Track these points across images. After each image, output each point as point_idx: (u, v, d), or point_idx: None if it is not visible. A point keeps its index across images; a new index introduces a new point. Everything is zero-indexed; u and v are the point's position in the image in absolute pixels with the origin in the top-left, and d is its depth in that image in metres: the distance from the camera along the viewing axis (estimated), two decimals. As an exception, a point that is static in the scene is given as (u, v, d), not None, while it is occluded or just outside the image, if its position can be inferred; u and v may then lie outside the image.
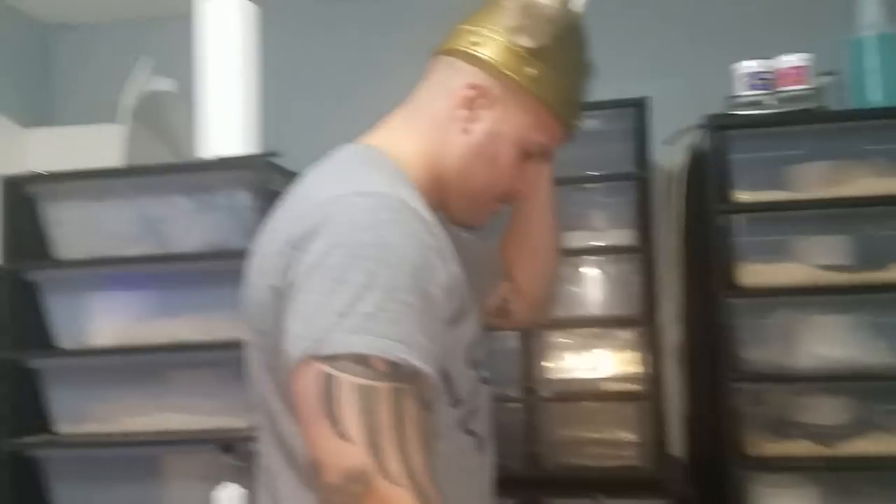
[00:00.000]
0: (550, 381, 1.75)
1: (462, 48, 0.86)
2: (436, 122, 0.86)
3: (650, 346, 1.69)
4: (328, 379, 0.66)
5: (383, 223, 0.71)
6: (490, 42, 0.85)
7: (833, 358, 1.49)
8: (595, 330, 1.79)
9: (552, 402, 1.73)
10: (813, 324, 1.53)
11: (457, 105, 0.85)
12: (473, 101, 0.85)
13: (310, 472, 0.69)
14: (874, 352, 1.49)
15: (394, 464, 0.65)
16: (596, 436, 1.77)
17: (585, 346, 1.80)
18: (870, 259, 1.51)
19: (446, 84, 0.86)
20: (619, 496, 1.63)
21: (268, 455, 0.82)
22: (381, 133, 0.89)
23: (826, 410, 1.52)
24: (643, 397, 1.69)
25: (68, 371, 1.72)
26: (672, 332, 1.94)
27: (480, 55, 0.85)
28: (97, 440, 1.66)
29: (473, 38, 0.85)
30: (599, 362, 1.79)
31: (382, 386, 0.66)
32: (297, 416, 0.71)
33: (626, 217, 1.76)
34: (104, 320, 1.70)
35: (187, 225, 1.66)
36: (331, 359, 0.66)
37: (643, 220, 1.73)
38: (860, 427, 1.50)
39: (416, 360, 0.67)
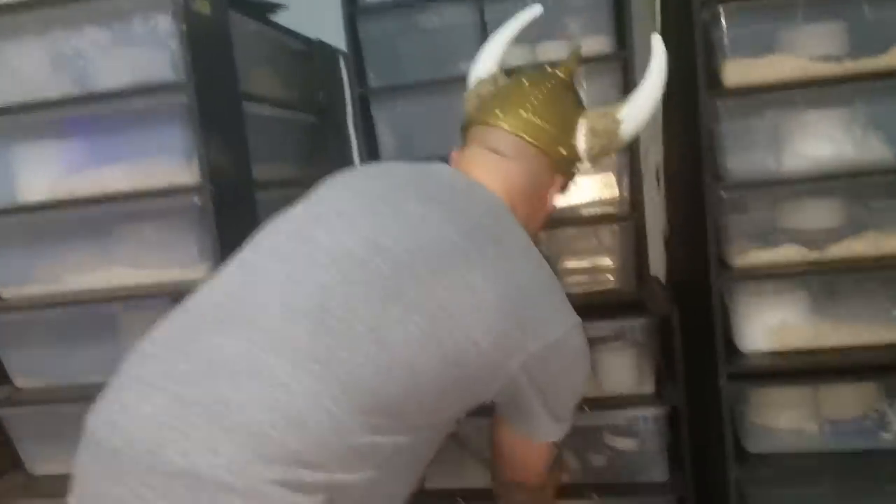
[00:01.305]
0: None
1: (552, 155, 1.12)
2: (537, 198, 1.12)
3: (629, 163, 1.57)
4: (553, 455, 1.17)
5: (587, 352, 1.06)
6: (567, 149, 1.14)
7: (824, 157, 1.38)
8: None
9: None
10: (803, 122, 1.40)
11: (551, 191, 1.14)
12: (557, 190, 1.16)
13: (509, 484, 1.21)
14: (869, 147, 1.37)
15: (554, 467, 1.23)
16: (574, 264, 1.69)
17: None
18: (867, 45, 1.36)
19: (542, 173, 1.12)
20: (599, 318, 1.57)
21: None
22: (506, 188, 1.07)
23: (816, 213, 1.42)
24: (623, 219, 1.59)
25: (1, 232, 1.59)
26: (653, 147, 1.82)
27: (563, 168, 1.15)
28: (44, 302, 1.56)
29: (559, 149, 1.13)
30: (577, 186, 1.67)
31: None
32: (504, 455, 1.16)
33: (601, 22, 1.58)
34: (31, 174, 1.55)
35: (106, 60, 1.47)
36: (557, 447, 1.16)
37: (620, 25, 1.56)
38: (853, 228, 1.40)
39: None
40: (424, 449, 0.97)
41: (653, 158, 1.83)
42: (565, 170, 1.14)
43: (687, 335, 1.73)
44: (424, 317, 0.87)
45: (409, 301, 0.87)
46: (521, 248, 0.99)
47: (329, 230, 0.93)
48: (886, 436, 1.44)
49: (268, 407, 0.79)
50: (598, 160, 1.16)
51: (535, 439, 1.08)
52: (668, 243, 1.89)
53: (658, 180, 1.83)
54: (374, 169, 1.09)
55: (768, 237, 1.45)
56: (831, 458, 1.44)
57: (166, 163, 1.45)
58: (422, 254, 0.90)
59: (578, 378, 1.05)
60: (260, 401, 0.80)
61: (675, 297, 1.78)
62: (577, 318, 1.01)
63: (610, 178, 1.65)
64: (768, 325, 1.43)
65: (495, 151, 1.08)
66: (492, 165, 1.07)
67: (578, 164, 1.15)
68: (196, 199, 1.42)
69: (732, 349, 1.46)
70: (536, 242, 1.19)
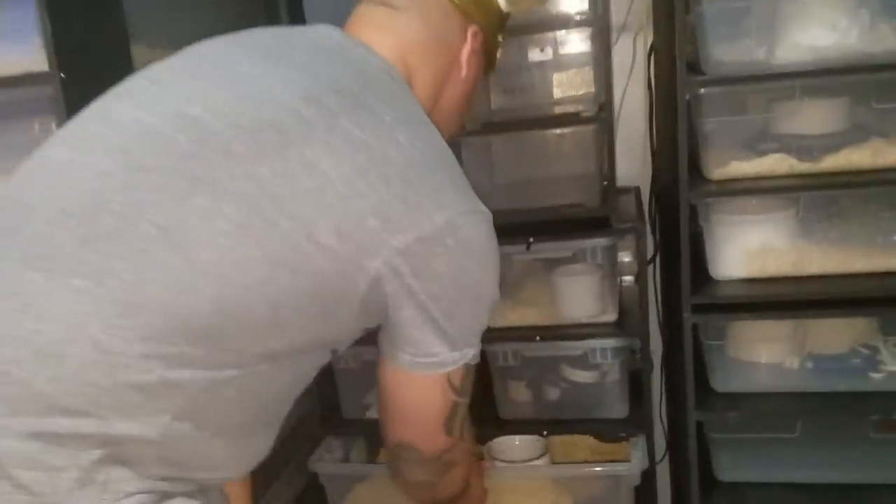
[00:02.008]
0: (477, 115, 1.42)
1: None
2: (445, 60, 0.88)
3: (601, 56, 1.33)
4: (456, 405, 0.82)
5: (495, 246, 0.79)
6: None
7: (825, 47, 1.14)
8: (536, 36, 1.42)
9: (483, 135, 1.41)
10: (802, 3, 1.15)
11: (464, 50, 0.89)
12: (474, 50, 0.90)
13: (399, 448, 0.86)
14: (878, 36, 1.13)
15: (465, 434, 0.90)
16: (534, 175, 1.47)
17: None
18: None
19: (450, 23, 0.88)
20: (555, 237, 1.37)
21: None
22: (399, 48, 0.83)
23: (811, 116, 1.19)
24: (587, 120, 1.36)
25: None
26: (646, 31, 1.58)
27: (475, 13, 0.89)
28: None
29: None
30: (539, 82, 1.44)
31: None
32: (387, 403, 0.84)
33: None
34: None
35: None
36: (461, 391, 0.82)
37: None
38: (854, 135, 1.18)
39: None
40: (269, 390, 0.75)
41: (643, 46, 1.58)
42: (479, 17, 0.90)
43: (667, 258, 1.54)
44: (239, 207, 0.66)
45: (217, 188, 0.66)
46: (400, 117, 0.75)
47: (133, 103, 0.72)
48: (875, 376, 1.26)
49: (12, 338, 0.62)
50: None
51: (424, 371, 0.79)
52: (656, 151, 1.66)
53: (649, 74, 1.58)
54: (244, 33, 0.84)
55: (753, 145, 1.23)
56: (810, 399, 1.26)
57: (15, 47, 1.21)
58: (243, 125, 0.69)
59: (480, 285, 0.77)
60: (4, 331, 0.62)
61: (654, 215, 1.59)
62: (476, 205, 0.76)
63: (579, 73, 1.41)
64: (747, 248, 1.23)
65: (384, 3, 0.85)
66: (381, 22, 0.84)
67: (496, 12, 0.92)
68: (48, 90, 1.17)
69: (704, 276, 1.26)
70: (461, 130, 0.97)
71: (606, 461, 1.41)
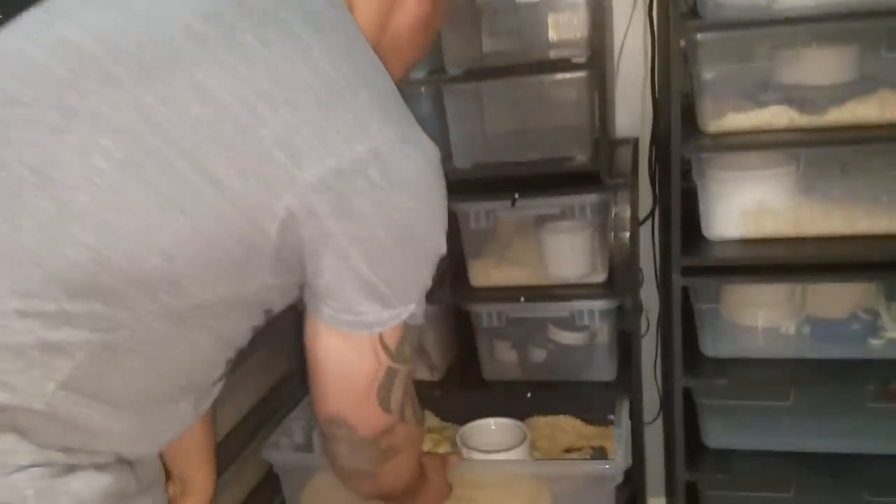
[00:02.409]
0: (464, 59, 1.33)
1: None
2: None
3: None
4: (392, 372, 0.71)
5: (438, 184, 0.68)
6: None
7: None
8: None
9: (472, 81, 1.33)
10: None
11: None
12: None
13: (330, 423, 0.74)
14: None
15: (409, 413, 0.78)
16: (524, 125, 1.39)
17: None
18: None
19: None
20: (543, 192, 1.30)
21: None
22: None
23: (816, 66, 1.10)
24: (577, 66, 1.28)
25: None
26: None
27: None
28: None
29: None
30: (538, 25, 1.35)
31: (412, 368, 0.75)
32: (313, 368, 0.72)
33: None
34: None
35: None
36: (397, 356, 0.71)
37: None
38: (861, 86, 1.09)
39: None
40: (183, 355, 0.66)
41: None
42: None
43: (664, 216, 1.46)
44: (119, 142, 0.57)
45: (95, 120, 0.58)
46: (324, 36, 0.63)
47: (21, 34, 0.64)
48: (875, 343, 1.20)
49: None
50: None
51: (349, 330, 0.67)
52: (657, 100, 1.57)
53: (650, 17, 1.48)
54: None
55: (753, 95, 1.14)
56: (805, 366, 1.20)
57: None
58: (127, 48, 0.60)
59: (417, 230, 0.66)
60: None
61: (653, 168, 1.51)
62: (411, 133, 0.65)
63: (576, 15, 1.32)
64: (742, 206, 1.16)
65: None
66: None
67: None
68: None
69: (697, 236, 1.19)
70: (410, 67, 0.83)
71: (591, 447, 1.33)
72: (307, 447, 1.35)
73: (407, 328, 0.71)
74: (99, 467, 0.63)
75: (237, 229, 0.60)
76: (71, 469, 0.61)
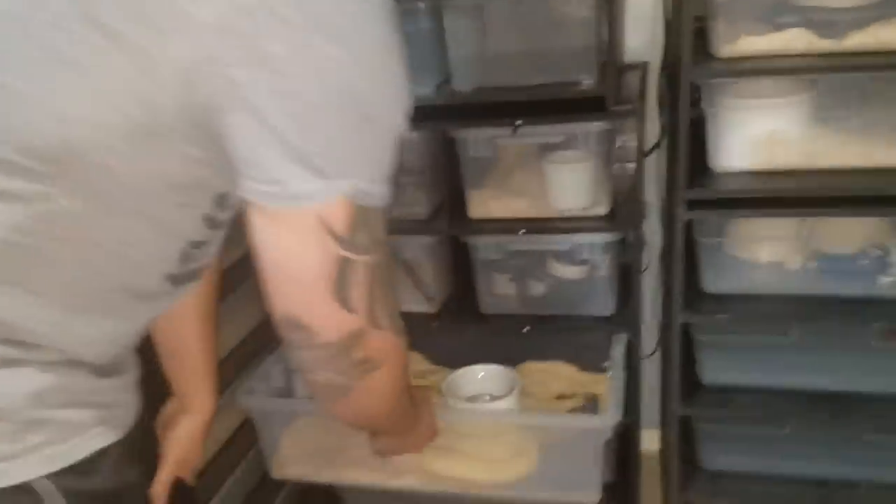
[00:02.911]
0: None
1: None
2: None
3: None
4: (344, 263, 0.60)
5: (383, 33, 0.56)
6: None
7: None
8: None
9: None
10: None
11: None
12: None
13: (285, 327, 0.64)
14: None
15: (384, 318, 0.67)
16: (528, 46, 1.32)
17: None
18: None
19: None
20: (544, 119, 1.24)
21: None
22: None
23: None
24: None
25: None
26: None
27: None
28: None
29: None
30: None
31: (382, 259, 0.63)
32: (257, 257, 0.61)
33: None
34: None
35: None
36: (349, 242, 0.59)
37: None
38: (885, 8, 1.02)
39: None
40: (102, 250, 0.60)
41: None
42: None
43: (673, 148, 1.41)
44: None
45: None
46: None
47: None
48: (885, 279, 1.16)
49: None
50: None
51: (276, 204, 0.57)
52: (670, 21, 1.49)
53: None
54: None
55: (769, 18, 1.07)
56: (809, 302, 1.17)
57: None
58: None
59: (355, 82, 0.54)
60: None
61: (663, 95, 1.44)
62: None
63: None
64: (753, 136, 1.10)
65: None
66: None
67: None
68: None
69: (703, 169, 1.14)
70: None
71: (584, 394, 1.32)
72: (287, 392, 1.32)
73: (362, 212, 0.59)
74: (42, 366, 0.60)
75: (135, 87, 0.52)
76: (7, 364, 0.58)
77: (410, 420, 0.91)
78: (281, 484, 1.38)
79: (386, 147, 0.60)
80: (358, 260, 0.60)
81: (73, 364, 0.63)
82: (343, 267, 0.60)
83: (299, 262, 0.59)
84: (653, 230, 1.53)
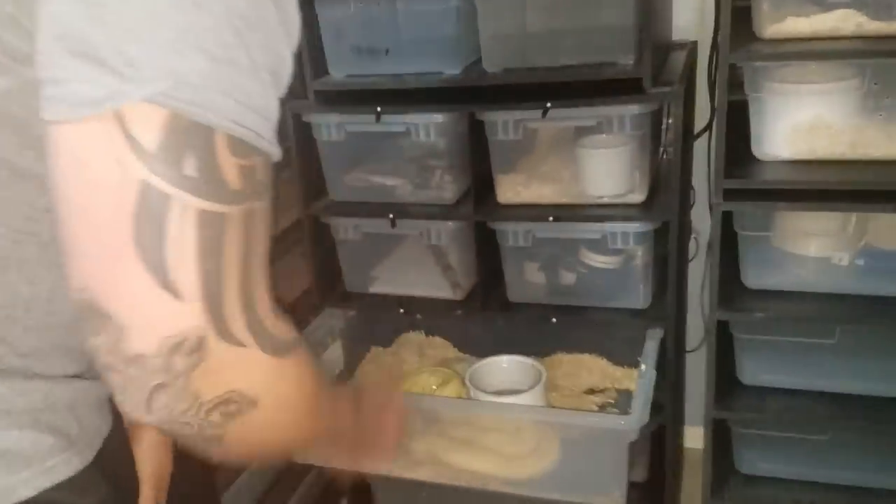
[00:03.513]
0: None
1: None
2: None
3: None
4: (152, 196, 0.40)
5: None
6: None
7: None
8: None
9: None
10: None
11: None
12: None
13: (80, 314, 0.42)
14: None
15: (238, 321, 0.43)
16: (560, 24, 1.26)
17: None
18: None
19: None
20: (578, 102, 1.19)
21: None
22: None
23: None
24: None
25: None
26: None
27: None
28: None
29: None
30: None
31: (236, 210, 0.42)
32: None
33: None
34: None
35: None
36: (161, 165, 0.40)
37: None
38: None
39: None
40: None
41: None
42: None
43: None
44: None
45: None
46: None
47: None
48: (938, 280, 1.08)
49: None
50: None
51: (62, 109, 0.41)
52: None
53: None
54: None
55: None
56: (854, 302, 1.09)
57: None
58: None
59: None
60: None
61: (713, 77, 1.36)
62: None
63: None
64: (796, 124, 1.03)
65: None
66: None
67: None
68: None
69: (746, 156, 1.08)
70: None
71: (616, 389, 1.27)
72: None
73: (196, 132, 0.41)
74: None
75: None
76: None
77: (346, 428, 0.67)
78: (308, 468, 1.39)
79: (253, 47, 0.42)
80: (183, 199, 0.40)
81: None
82: (152, 205, 0.40)
83: (92, 193, 0.41)
84: (700, 218, 1.46)
